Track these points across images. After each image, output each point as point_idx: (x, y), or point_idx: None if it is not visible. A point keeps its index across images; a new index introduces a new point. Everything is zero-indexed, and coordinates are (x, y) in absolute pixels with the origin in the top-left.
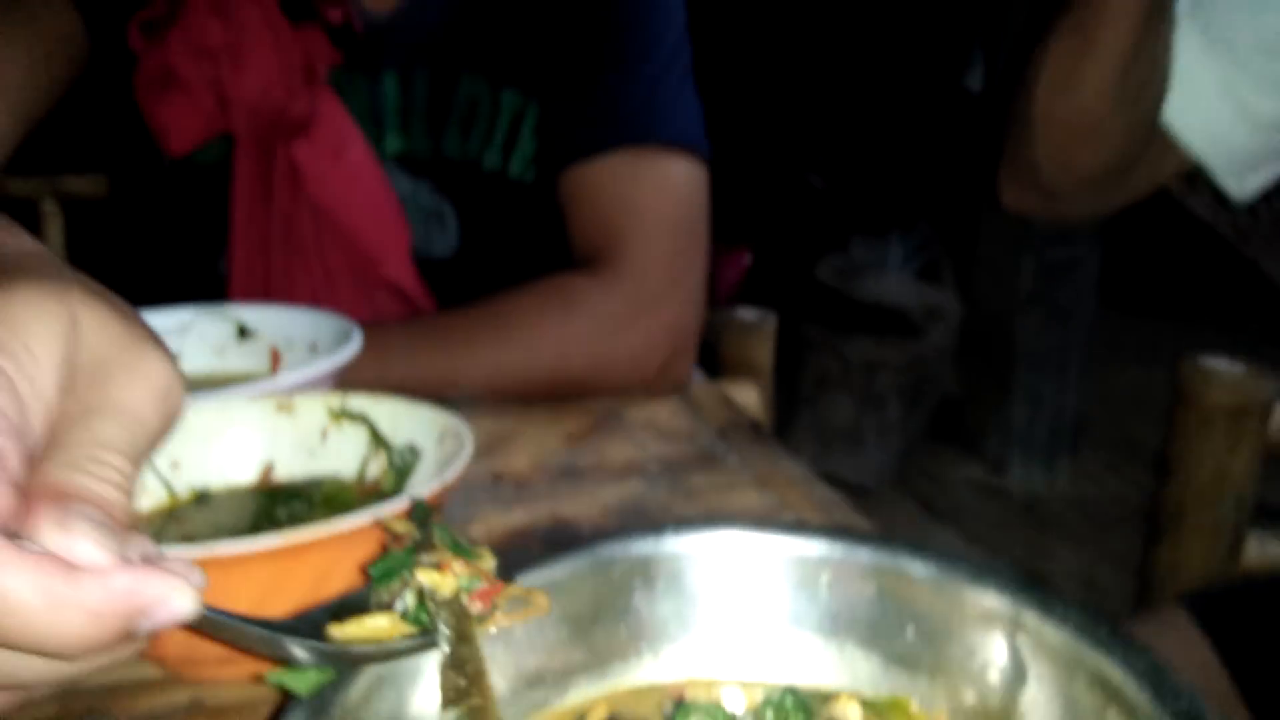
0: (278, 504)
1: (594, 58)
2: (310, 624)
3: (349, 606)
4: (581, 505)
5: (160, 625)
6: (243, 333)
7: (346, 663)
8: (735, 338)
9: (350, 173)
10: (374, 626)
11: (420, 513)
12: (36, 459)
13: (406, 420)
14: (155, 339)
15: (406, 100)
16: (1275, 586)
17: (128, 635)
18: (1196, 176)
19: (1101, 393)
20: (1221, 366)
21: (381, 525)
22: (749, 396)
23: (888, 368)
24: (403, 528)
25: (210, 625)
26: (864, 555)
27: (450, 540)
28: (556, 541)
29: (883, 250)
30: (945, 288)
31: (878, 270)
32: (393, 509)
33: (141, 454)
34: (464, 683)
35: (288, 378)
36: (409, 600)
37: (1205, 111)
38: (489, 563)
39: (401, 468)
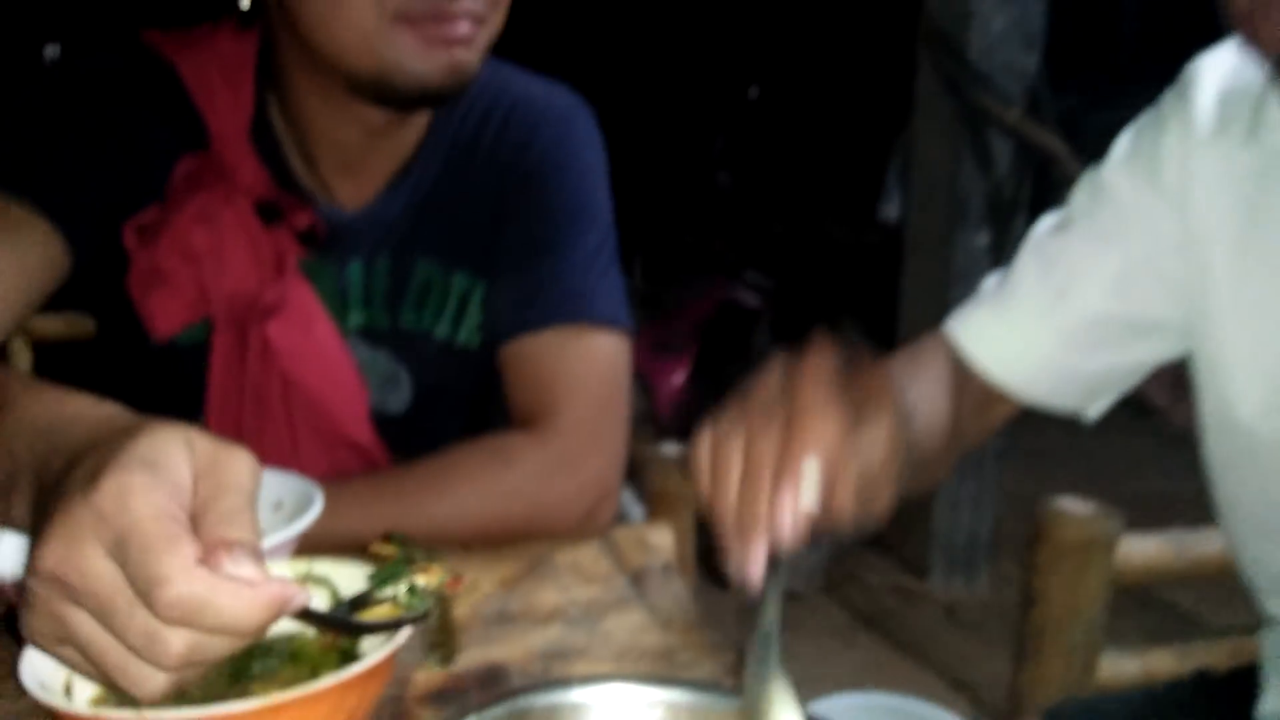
0: (253, 659)
1: (534, 246)
2: (346, 612)
3: (357, 603)
4: (512, 649)
5: (292, 612)
6: None
7: (381, 629)
8: (660, 471)
9: (317, 347)
10: (383, 612)
11: (400, 540)
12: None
13: (363, 581)
14: (230, 443)
15: (369, 283)
16: (1120, 702)
17: (278, 619)
18: None
19: (1017, 499)
20: (1072, 507)
21: (373, 551)
22: (664, 538)
23: None
24: (388, 550)
25: (306, 614)
26: (713, 702)
27: (422, 553)
28: (488, 685)
29: None
30: None
31: None
32: (355, 671)
33: (253, 509)
34: (444, 637)
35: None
36: (402, 592)
37: (1037, 377)
38: (446, 564)
39: None
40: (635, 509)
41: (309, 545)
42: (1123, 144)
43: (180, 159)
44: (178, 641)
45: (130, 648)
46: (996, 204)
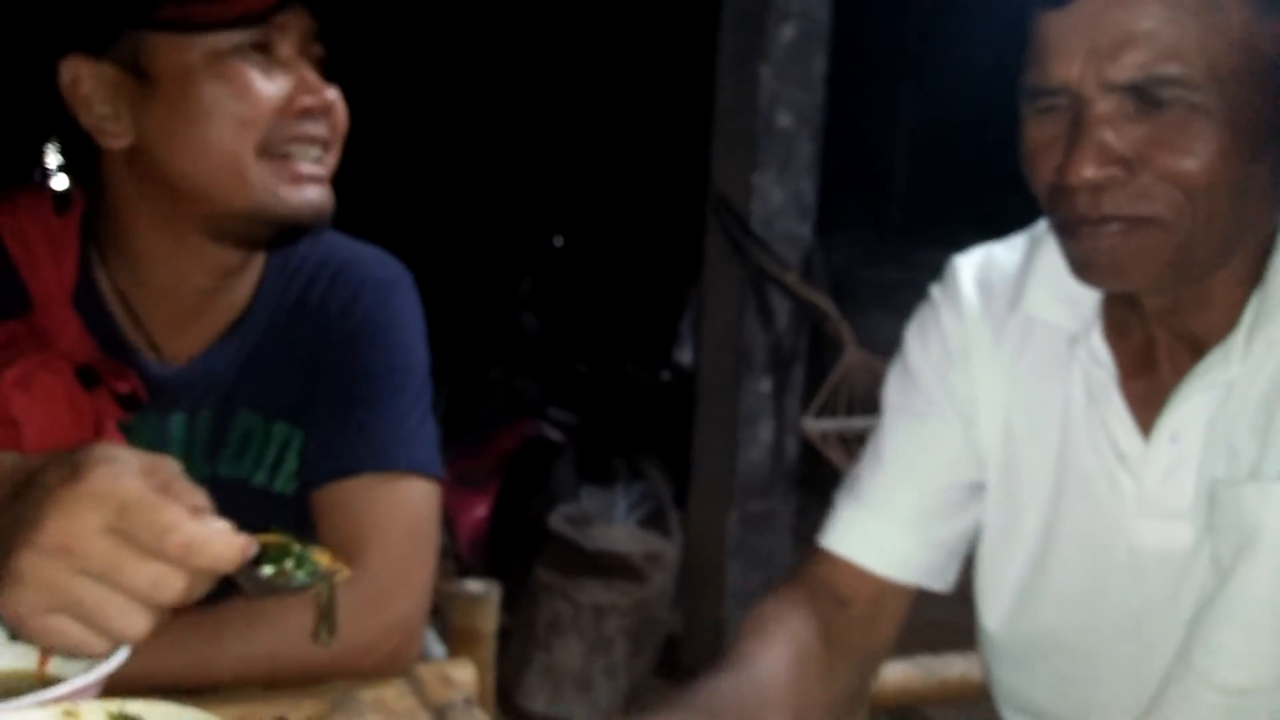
0: None
1: (351, 399)
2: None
3: (250, 576)
4: None
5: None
6: (15, 634)
7: (293, 590)
8: (462, 608)
9: None
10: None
11: (281, 530)
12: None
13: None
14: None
15: (190, 435)
16: None
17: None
18: None
19: None
20: None
21: (260, 540)
22: (466, 673)
23: (615, 611)
24: (275, 538)
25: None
26: None
27: (305, 543)
28: None
29: (610, 501)
30: (670, 535)
31: (605, 519)
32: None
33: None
34: (330, 610)
35: (67, 686)
36: (289, 567)
37: (914, 557)
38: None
39: None
40: (437, 647)
41: (118, 687)
42: (911, 333)
43: (1, 325)
44: (180, 581)
45: (134, 594)
46: (777, 355)
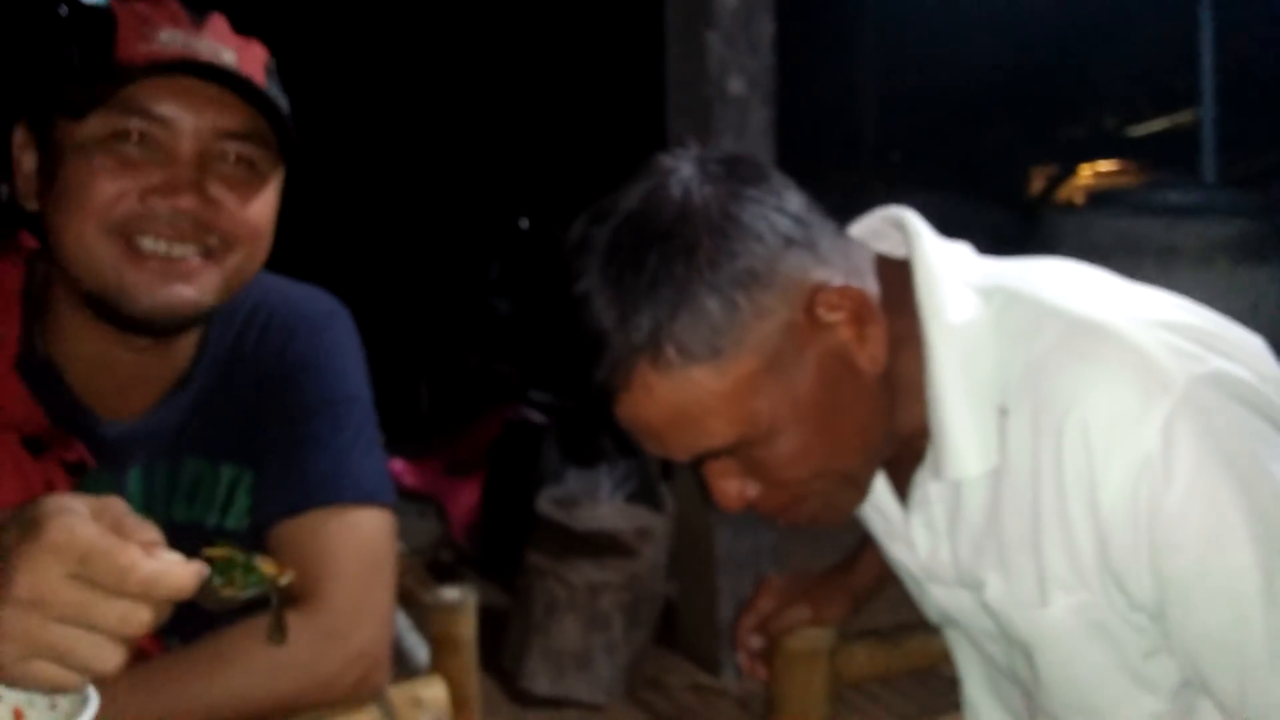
0: None
1: (293, 439)
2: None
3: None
4: None
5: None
6: None
7: (251, 603)
8: (439, 617)
9: None
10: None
11: (231, 542)
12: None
13: None
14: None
15: (149, 486)
16: None
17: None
18: None
19: None
20: None
21: (207, 554)
22: (437, 691)
23: (610, 588)
24: (221, 551)
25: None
26: None
27: (250, 552)
28: None
29: (595, 480)
30: (661, 508)
31: (592, 499)
32: None
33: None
34: (281, 614)
35: None
36: (239, 576)
37: None
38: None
39: None
40: (422, 652)
41: None
42: None
43: None
44: (145, 613)
45: (105, 631)
46: None
